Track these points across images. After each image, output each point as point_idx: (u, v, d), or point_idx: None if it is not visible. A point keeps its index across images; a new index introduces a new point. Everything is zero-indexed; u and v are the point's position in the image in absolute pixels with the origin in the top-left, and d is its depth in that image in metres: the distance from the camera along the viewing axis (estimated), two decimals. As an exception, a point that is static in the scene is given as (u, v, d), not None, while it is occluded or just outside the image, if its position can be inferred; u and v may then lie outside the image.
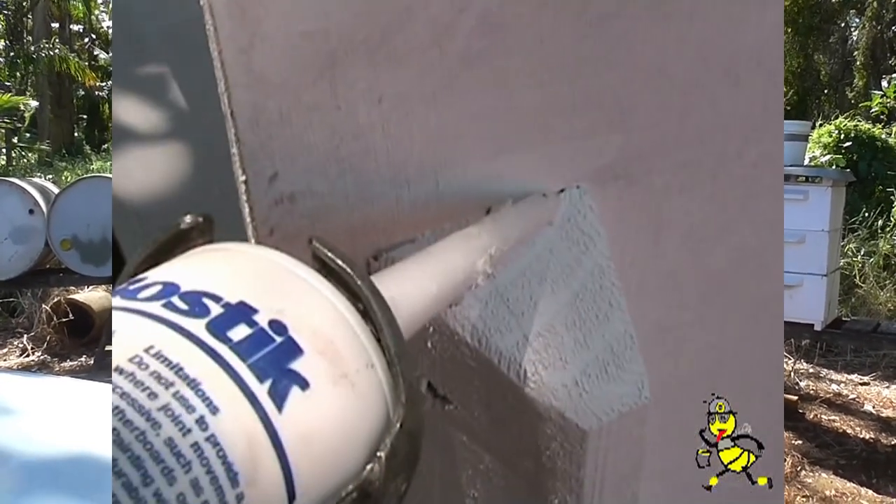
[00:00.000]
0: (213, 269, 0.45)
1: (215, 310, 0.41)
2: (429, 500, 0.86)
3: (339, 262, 0.47)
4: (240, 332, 0.41)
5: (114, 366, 0.37)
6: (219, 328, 0.40)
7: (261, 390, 0.39)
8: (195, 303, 0.41)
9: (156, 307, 0.41)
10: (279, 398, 0.40)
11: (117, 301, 0.42)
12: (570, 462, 0.72)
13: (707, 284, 0.83)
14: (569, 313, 0.73)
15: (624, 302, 0.74)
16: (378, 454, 0.42)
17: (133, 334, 0.39)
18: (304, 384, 0.41)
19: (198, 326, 0.40)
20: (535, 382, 0.72)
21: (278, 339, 0.41)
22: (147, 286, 0.43)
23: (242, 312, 0.42)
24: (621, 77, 0.71)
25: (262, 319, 0.42)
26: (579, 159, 0.74)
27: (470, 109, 0.70)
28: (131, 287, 0.43)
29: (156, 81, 1.19)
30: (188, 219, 0.49)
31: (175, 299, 0.41)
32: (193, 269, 0.45)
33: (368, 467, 0.42)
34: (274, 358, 0.41)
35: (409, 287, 0.57)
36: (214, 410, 0.38)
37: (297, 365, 0.41)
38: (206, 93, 0.74)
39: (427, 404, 0.76)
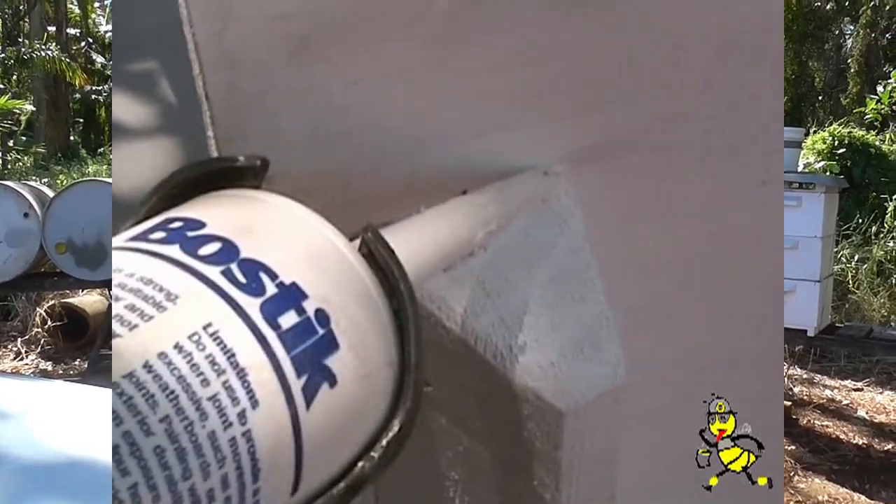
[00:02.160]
0: (271, 237, 0.47)
1: (270, 289, 0.43)
2: (409, 483, 0.85)
3: (387, 258, 0.50)
4: (289, 318, 0.43)
5: (172, 341, 0.38)
6: (271, 312, 0.42)
7: (297, 385, 0.41)
8: (252, 276, 0.43)
9: (215, 273, 0.42)
10: (310, 395, 0.42)
11: (174, 250, 0.42)
12: (547, 442, 0.73)
13: (689, 267, 0.82)
14: (544, 294, 0.74)
15: (600, 283, 0.74)
16: (372, 454, 0.45)
17: (194, 303, 0.41)
18: (333, 381, 0.43)
19: (253, 307, 0.42)
20: (511, 364, 0.72)
21: (320, 332, 0.44)
22: (206, 241, 0.44)
23: (294, 297, 0.44)
24: (599, 58, 0.72)
25: (309, 307, 0.44)
26: (556, 140, 0.74)
27: (446, 91, 0.70)
28: (189, 234, 0.44)
29: (153, 77, 1.20)
30: (242, 158, 0.50)
31: (234, 267, 0.43)
32: (252, 233, 0.47)
33: (361, 465, 0.44)
34: (314, 352, 0.43)
35: (414, 246, 0.59)
36: (255, 405, 0.39)
37: (331, 361, 0.43)
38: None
39: None
